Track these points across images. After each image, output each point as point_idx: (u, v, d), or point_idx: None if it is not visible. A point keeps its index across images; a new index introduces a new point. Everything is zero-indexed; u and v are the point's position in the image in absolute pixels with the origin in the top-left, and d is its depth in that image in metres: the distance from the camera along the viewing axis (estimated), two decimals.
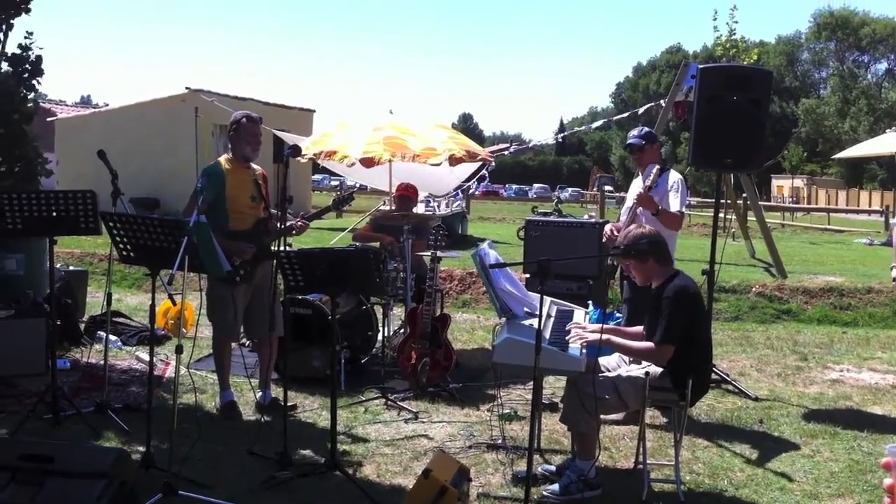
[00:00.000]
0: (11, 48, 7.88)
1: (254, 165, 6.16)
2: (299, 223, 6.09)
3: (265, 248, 6.03)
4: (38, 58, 7.83)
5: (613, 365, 5.06)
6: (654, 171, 6.18)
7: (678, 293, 4.69)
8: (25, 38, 7.73)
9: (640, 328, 5.08)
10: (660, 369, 4.71)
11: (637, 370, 4.83)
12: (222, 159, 6.08)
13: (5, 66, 7.84)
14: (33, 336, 6.75)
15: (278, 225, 5.59)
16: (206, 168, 6.08)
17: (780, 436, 5.94)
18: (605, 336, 4.72)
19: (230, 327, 6.02)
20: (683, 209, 6.38)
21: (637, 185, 6.46)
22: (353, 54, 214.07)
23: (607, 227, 6.67)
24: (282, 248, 5.17)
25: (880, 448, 5.65)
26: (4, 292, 7.36)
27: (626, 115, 23.03)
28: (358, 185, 16.15)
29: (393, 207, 8.39)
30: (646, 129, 6.79)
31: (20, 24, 7.82)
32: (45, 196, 5.60)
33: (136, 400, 6.22)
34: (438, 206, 19.61)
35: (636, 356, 4.89)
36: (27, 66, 7.79)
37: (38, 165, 7.90)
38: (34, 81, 7.90)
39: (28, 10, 7.73)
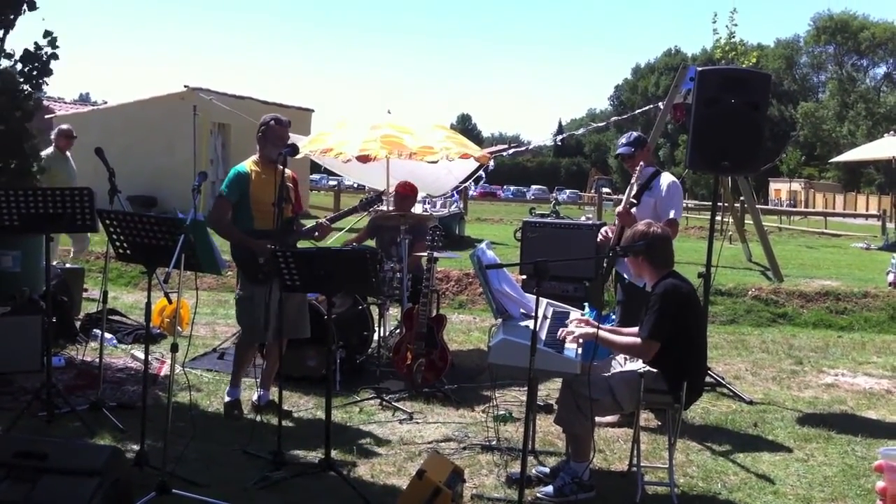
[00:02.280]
0: (11, 44, 7.89)
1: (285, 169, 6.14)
2: (323, 223, 6.11)
3: (291, 248, 6.02)
4: (50, 58, 7.83)
5: (613, 366, 5.07)
6: (636, 187, 6.22)
7: (666, 291, 4.71)
8: (45, 37, 7.74)
9: (635, 329, 5.08)
10: (655, 370, 4.71)
11: (632, 366, 4.84)
12: (249, 161, 6.13)
13: (5, 63, 7.84)
14: (29, 333, 6.73)
15: (275, 223, 5.58)
16: (233, 169, 6.12)
17: (774, 439, 5.95)
18: (591, 329, 4.74)
19: (258, 329, 5.95)
20: (678, 217, 6.37)
21: (635, 187, 6.47)
22: (352, 54, 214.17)
23: (602, 230, 6.68)
24: (277, 248, 5.16)
25: (874, 453, 5.66)
26: (0, 289, 7.35)
27: (625, 117, 23.10)
28: (356, 185, 16.16)
29: (390, 207, 8.39)
30: (634, 134, 6.75)
31: (27, 21, 7.83)
32: (42, 193, 5.61)
33: (131, 398, 6.23)
34: (434, 206, 19.60)
35: (622, 351, 4.91)
36: (37, 64, 7.80)
37: (34, 164, 7.90)
38: (41, 81, 7.91)
39: (33, 6, 7.73)
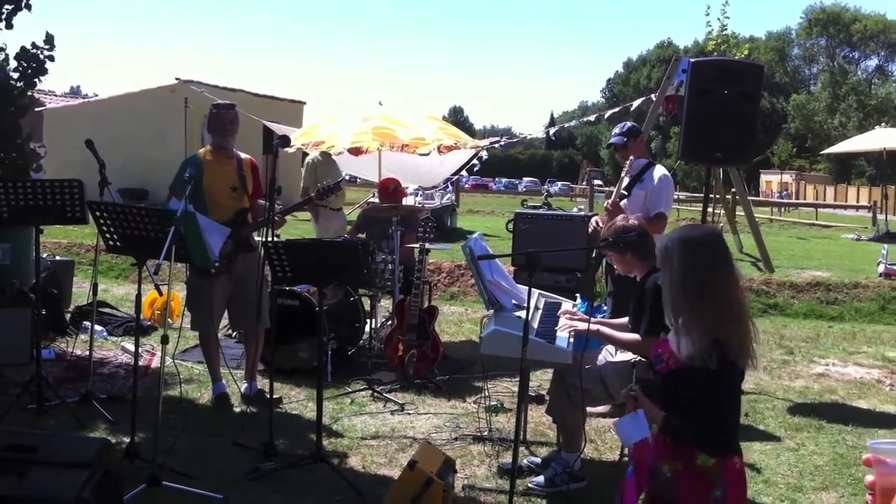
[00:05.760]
0: (5, 39, 7.89)
1: (242, 155, 6.13)
2: (275, 217, 6.00)
3: (244, 239, 6.00)
4: (46, 59, 7.83)
5: (601, 359, 5.06)
6: (627, 179, 6.20)
7: (658, 286, 4.69)
8: (46, 41, 7.75)
9: (625, 319, 5.08)
10: (645, 360, 4.70)
11: (623, 357, 4.84)
12: (202, 150, 6.10)
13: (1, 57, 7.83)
14: (19, 325, 6.71)
15: (267, 215, 5.54)
16: (184, 159, 6.08)
17: (765, 429, 5.96)
18: (593, 326, 4.72)
19: (203, 318, 6.02)
20: (667, 212, 6.36)
21: (625, 180, 6.45)
22: (344, 47, 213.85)
23: (594, 220, 6.67)
24: (269, 239, 5.14)
25: (865, 442, 5.68)
26: None
27: (617, 109, 23.05)
28: (348, 177, 16.08)
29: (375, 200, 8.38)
30: (627, 124, 6.72)
31: (25, 20, 7.83)
32: (31, 185, 5.57)
33: (122, 390, 6.20)
34: (426, 198, 19.50)
35: (623, 347, 4.89)
36: (34, 63, 7.80)
37: (30, 159, 7.89)
38: (35, 79, 7.92)
39: (29, 7, 7.74)
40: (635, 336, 4.75)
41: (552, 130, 20.46)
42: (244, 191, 5.99)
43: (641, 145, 6.67)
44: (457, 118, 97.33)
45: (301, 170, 10.50)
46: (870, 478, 1.55)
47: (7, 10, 7.67)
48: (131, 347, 6.44)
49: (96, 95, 35.87)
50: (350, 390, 6.47)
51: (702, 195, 7.55)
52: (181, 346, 7.04)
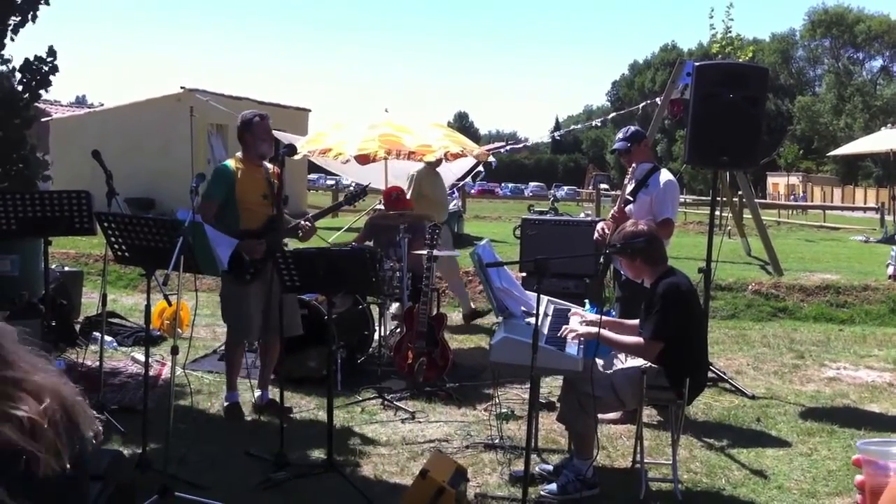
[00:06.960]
0: (11, 50, 7.95)
1: (265, 163, 6.14)
2: (306, 224, 6.03)
3: (277, 245, 6.00)
4: (50, 72, 7.88)
5: (614, 365, 5.05)
6: (631, 185, 6.20)
7: (668, 290, 4.69)
8: (49, 54, 7.79)
9: (636, 321, 5.08)
10: (656, 367, 4.70)
11: (633, 363, 4.83)
12: (233, 159, 6.07)
13: (3, 69, 7.88)
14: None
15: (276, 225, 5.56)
16: (216, 169, 6.08)
17: (777, 434, 5.93)
18: (593, 329, 4.71)
19: (244, 327, 5.96)
20: (673, 217, 6.35)
21: (629, 186, 6.44)
22: (348, 53, 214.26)
23: (599, 226, 6.65)
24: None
25: None
26: None
27: (622, 112, 23.10)
28: (354, 184, 16.08)
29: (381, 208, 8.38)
30: (631, 128, 6.71)
31: (31, 31, 7.91)
32: (39, 196, 5.59)
33: (132, 401, 6.20)
34: None
35: (626, 351, 4.89)
36: (37, 76, 7.85)
37: (38, 170, 7.94)
38: (40, 91, 7.97)
39: (35, 19, 7.78)
40: (638, 339, 4.75)
41: (557, 134, 20.45)
42: (273, 198, 6.01)
43: (646, 150, 6.66)
44: (462, 123, 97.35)
45: (307, 178, 10.52)
46: (859, 477, 1.55)
47: (14, 21, 7.72)
48: (141, 358, 6.45)
49: (102, 105, 36.01)
50: (360, 399, 6.46)
51: (708, 198, 7.53)
52: (191, 355, 7.04)
